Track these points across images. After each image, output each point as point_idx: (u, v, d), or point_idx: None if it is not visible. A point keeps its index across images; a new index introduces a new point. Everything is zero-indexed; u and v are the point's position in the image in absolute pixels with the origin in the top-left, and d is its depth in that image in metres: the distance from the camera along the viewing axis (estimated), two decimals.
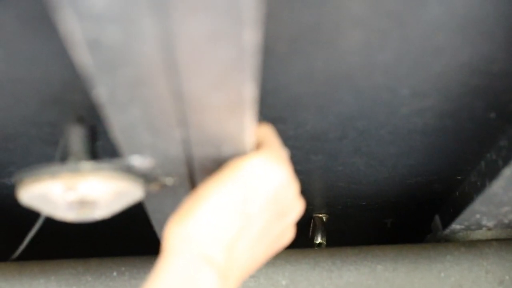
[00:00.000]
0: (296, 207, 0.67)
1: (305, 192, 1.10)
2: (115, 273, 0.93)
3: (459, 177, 1.02)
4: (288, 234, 0.68)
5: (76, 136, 0.67)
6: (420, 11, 0.60)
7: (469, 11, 0.60)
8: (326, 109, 0.78)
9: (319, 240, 1.21)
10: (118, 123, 0.55)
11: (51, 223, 0.83)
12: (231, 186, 0.60)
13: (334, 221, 1.26)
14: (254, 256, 0.64)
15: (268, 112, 0.76)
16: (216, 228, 0.59)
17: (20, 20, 0.57)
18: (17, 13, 0.56)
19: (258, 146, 0.64)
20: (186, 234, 0.59)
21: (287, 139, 0.85)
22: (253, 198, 0.61)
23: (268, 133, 0.66)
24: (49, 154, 0.84)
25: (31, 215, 0.77)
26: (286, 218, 0.66)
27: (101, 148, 0.78)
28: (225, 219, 0.59)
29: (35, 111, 0.73)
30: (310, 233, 1.23)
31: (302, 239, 1.37)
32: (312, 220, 1.23)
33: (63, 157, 0.67)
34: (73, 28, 0.41)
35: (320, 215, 1.21)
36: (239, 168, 0.61)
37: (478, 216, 0.97)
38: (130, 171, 0.63)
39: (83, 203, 0.63)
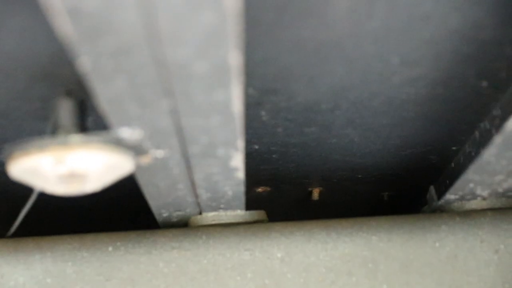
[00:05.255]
0: None
1: (300, 165, 1.11)
2: (110, 248, 0.93)
3: (454, 148, 1.02)
4: None
5: (65, 110, 0.67)
6: None
7: None
8: (317, 79, 0.78)
9: None
10: (104, 94, 0.55)
11: (46, 200, 0.83)
12: None
13: (330, 194, 1.26)
14: None
15: (258, 83, 0.76)
16: None
17: None
18: None
19: None
20: None
21: (280, 111, 0.85)
22: None
23: None
24: (41, 130, 0.84)
25: (26, 192, 0.77)
26: None
27: (93, 123, 0.78)
28: None
29: (25, 86, 0.73)
30: None
31: (298, 213, 1.38)
32: None
33: (54, 132, 0.67)
34: None
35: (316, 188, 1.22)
36: None
37: (472, 185, 0.96)
38: (120, 144, 0.63)
39: (73, 176, 0.63)
